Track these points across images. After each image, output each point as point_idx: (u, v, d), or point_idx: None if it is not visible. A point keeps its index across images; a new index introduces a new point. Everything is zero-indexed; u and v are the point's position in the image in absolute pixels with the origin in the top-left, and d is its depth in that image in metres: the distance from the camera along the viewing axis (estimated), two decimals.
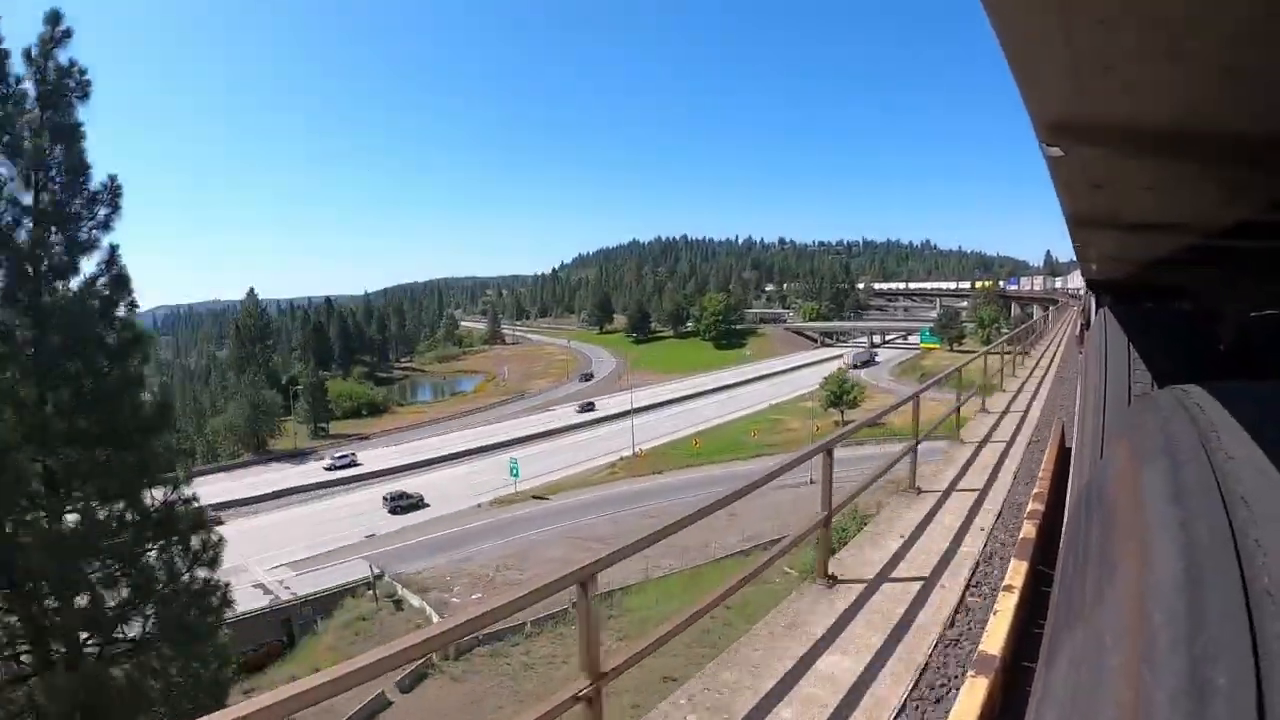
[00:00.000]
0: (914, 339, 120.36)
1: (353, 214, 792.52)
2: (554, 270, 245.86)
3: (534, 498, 47.80)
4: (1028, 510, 5.51)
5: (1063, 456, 7.11)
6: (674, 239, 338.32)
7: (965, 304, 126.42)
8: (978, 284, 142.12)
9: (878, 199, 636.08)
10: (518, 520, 44.00)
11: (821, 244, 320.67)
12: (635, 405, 78.56)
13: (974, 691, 2.95)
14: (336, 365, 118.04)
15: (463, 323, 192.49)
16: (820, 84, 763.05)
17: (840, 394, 66.60)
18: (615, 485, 49.66)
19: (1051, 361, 18.75)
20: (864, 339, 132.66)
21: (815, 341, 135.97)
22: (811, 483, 29.27)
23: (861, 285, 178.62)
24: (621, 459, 56.00)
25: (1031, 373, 16.64)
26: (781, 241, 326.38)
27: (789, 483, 46.45)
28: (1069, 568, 1.03)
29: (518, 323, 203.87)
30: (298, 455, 66.26)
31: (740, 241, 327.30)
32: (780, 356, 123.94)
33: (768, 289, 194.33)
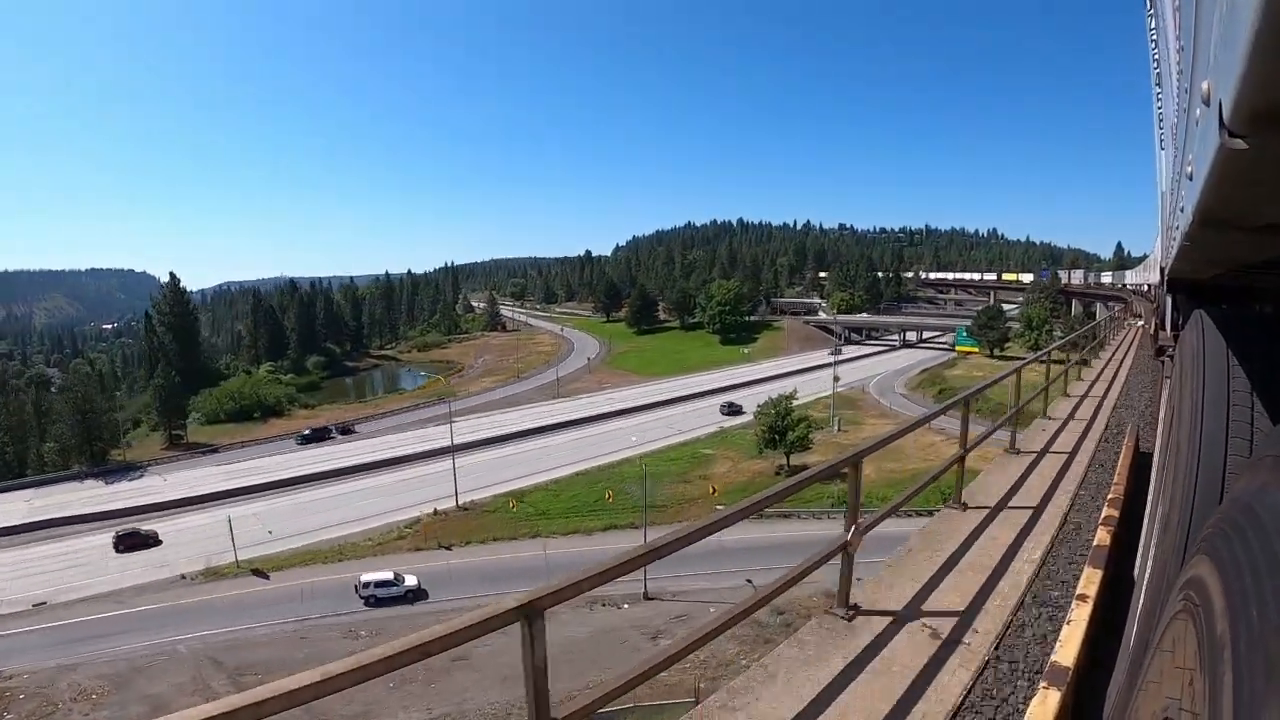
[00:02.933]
0: (950, 338, 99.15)
1: (430, 191, 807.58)
2: (586, 252, 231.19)
3: (253, 572, 33.67)
4: (1102, 516, 4.90)
5: (1137, 462, 6.33)
6: (729, 222, 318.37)
7: (1021, 298, 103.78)
8: (1004, 275, 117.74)
9: (945, 186, 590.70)
10: (191, 610, 30.55)
11: (882, 230, 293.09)
12: (550, 421, 63.36)
13: (1046, 704, 2.74)
14: (290, 354, 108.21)
15: (479, 305, 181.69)
16: (899, 66, 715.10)
17: (782, 428, 47.98)
18: (374, 561, 34.73)
19: (1116, 374, 13.74)
20: (895, 337, 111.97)
21: (839, 339, 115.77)
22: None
23: (910, 274, 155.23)
24: (436, 512, 40.82)
25: (1090, 389, 12.01)
26: (841, 227, 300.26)
27: (617, 590, 31.20)
28: (1245, 613, 0.86)
29: (537, 307, 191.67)
30: (115, 472, 54.80)
31: (799, 226, 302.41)
32: (787, 356, 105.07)
33: (807, 276, 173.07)
